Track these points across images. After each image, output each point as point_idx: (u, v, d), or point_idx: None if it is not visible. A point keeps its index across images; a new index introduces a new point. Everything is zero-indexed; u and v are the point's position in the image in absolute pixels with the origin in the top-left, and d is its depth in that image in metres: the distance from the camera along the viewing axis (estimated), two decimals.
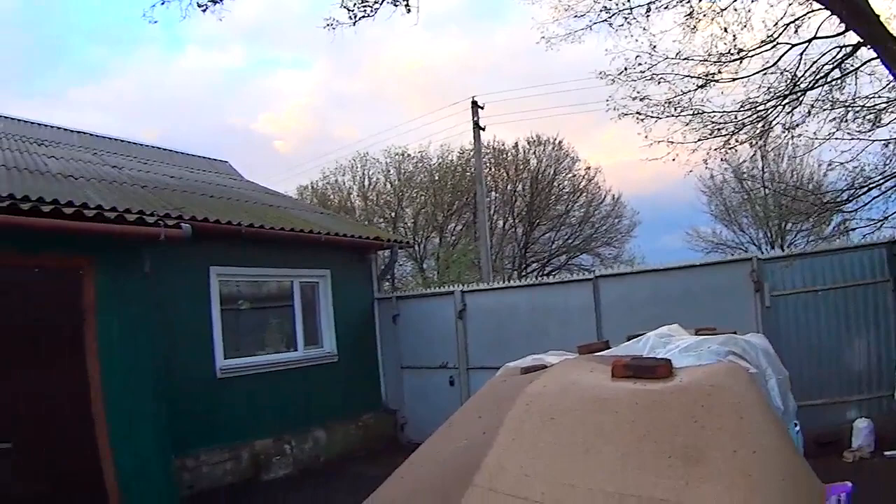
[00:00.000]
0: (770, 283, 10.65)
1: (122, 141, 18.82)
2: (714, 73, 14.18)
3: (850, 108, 13.39)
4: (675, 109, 14.72)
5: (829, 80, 13.43)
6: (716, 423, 3.42)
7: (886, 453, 9.78)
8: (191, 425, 10.44)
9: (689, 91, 14.51)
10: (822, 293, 10.51)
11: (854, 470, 8.96)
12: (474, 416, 4.53)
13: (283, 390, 12.65)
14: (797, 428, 5.30)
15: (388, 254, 16.00)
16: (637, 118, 15.01)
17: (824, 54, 13.15)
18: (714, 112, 14.64)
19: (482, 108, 27.81)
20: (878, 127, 13.40)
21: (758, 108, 14.19)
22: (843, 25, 12.18)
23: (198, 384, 11.14)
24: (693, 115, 14.66)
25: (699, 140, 14.80)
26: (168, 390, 8.68)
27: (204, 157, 21.10)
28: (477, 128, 27.71)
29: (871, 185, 13.73)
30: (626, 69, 14.60)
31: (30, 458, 7.09)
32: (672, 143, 14.98)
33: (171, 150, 20.07)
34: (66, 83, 73.08)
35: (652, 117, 14.96)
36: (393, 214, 41.02)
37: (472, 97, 27.66)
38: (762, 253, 11.18)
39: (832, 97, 13.58)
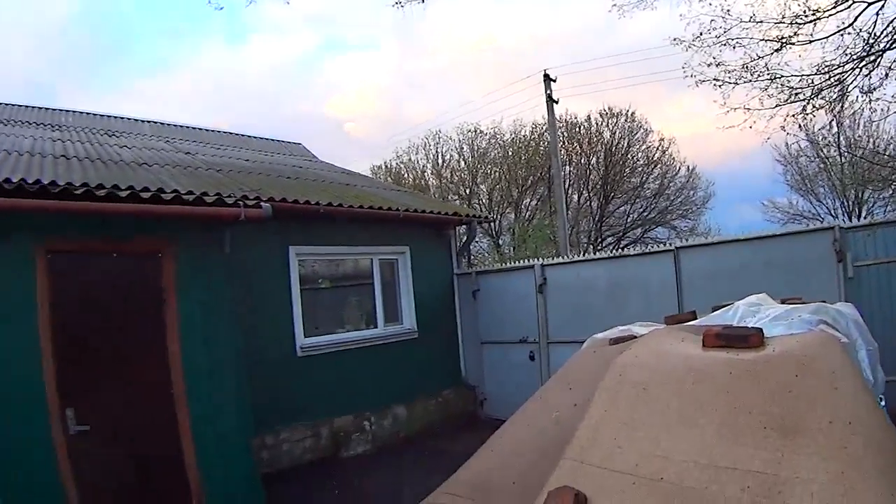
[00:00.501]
0: (853, 253, 10.30)
1: (194, 128, 19.20)
2: (789, 36, 13.99)
3: None
4: (752, 74, 14.64)
5: None
6: (811, 393, 3.34)
7: None
8: (271, 404, 10.62)
9: (765, 55, 14.39)
10: None
11: None
12: (564, 387, 4.49)
13: (362, 367, 12.72)
14: (883, 403, 5.16)
15: (466, 230, 15.97)
16: (714, 84, 14.93)
17: None
18: (791, 76, 14.45)
19: (554, 80, 27.68)
20: None
21: (834, 71, 13.98)
22: None
23: (278, 363, 11.26)
24: (770, 80, 14.54)
25: (776, 106, 14.66)
26: (248, 370, 8.80)
27: (277, 140, 21.37)
28: (550, 101, 27.56)
29: None
30: (700, 34, 14.53)
31: (110, 441, 7.20)
32: (749, 109, 14.87)
33: (243, 135, 20.36)
34: (133, 77, 74.58)
35: (729, 83, 14.89)
36: (468, 191, 41.08)
37: (544, 70, 27.57)
38: (842, 222, 10.98)
39: None
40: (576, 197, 40.81)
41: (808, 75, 14.35)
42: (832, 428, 3.08)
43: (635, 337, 4.72)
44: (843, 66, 13.95)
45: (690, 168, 41.08)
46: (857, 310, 5.94)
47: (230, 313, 8.47)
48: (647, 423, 3.55)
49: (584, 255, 14.43)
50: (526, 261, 14.35)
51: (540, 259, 14.23)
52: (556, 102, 27.86)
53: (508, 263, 16.58)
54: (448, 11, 74.88)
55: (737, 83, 14.85)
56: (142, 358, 7.66)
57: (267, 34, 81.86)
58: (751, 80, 14.68)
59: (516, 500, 3.59)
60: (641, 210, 41.40)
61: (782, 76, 14.48)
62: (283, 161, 17.53)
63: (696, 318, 5.44)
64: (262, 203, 8.47)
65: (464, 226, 15.92)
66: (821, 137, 28.23)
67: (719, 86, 14.98)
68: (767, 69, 14.48)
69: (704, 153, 58.56)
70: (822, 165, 34.75)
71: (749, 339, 3.89)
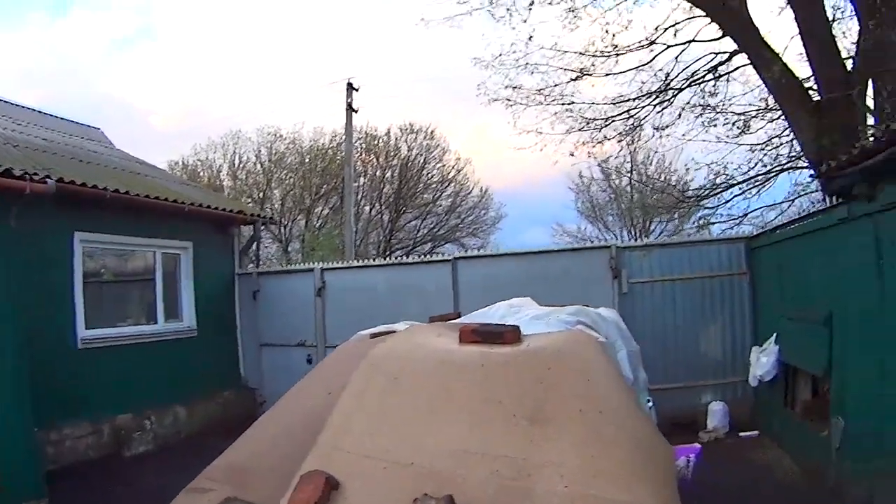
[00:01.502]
0: (628, 271, 11.35)
1: None
2: (587, 67, 14.83)
3: (720, 113, 14.27)
4: (546, 99, 15.37)
5: (701, 83, 14.23)
6: (563, 386, 3.70)
7: (741, 434, 10.45)
8: (53, 398, 10.12)
9: (562, 83, 15.15)
10: (681, 282, 11.27)
11: (710, 449, 9.33)
12: (322, 379, 4.77)
13: (144, 364, 12.47)
14: (650, 403, 5.67)
15: (253, 230, 16.02)
16: (507, 104, 15.64)
17: (699, 59, 13.95)
18: (584, 104, 15.34)
19: (357, 90, 27.85)
20: (746, 133, 14.33)
21: (628, 105, 14.94)
22: (720, 31, 12.95)
23: (59, 354, 10.89)
24: (563, 105, 15.33)
25: (567, 132, 15.51)
26: (29, 360, 8.50)
27: (77, 123, 20.74)
28: (350, 109, 27.60)
29: (731, 184, 14.67)
30: (500, 55, 15.20)
31: None
32: (540, 133, 15.68)
33: (45, 114, 19.67)
34: None
35: (521, 104, 15.65)
36: (261, 195, 40.48)
37: (349, 79, 27.75)
38: (619, 242, 11.90)
39: (704, 102, 14.42)
40: (368, 208, 41.12)
41: (601, 104, 15.28)
42: (583, 416, 3.48)
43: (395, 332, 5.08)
44: (637, 99, 14.94)
45: (483, 189, 42.60)
46: (621, 316, 6.54)
47: (11, 297, 8.22)
48: (399, 411, 3.83)
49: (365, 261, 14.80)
50: (306, 264, 14.58)
51: (320, 263, 14.49)
52: (356, 112, 28.04)
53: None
54: (263, 9, 73.41)
55: (529, 105, 15.61)
56: None
57: (89, 10, 78.03)
58: (542, 104, 15.47)
59: (272, 484, 3.80)
60: (432, 226, 42.34)
61: (574, 103, 15.35)
62: (79, 144, 17.02)
63: (460, 318, 5.86)
64: (48, 180, 8.41)
65: (250, 226, 15.99)
66: (613, 168, 29.74)
67: (511, 105, 15.72)
68: (562, 96, 15.32)
69: (501, 177, 60.14)
70: (612, 195, 36.84)
71: (504, 335, 4.26)
